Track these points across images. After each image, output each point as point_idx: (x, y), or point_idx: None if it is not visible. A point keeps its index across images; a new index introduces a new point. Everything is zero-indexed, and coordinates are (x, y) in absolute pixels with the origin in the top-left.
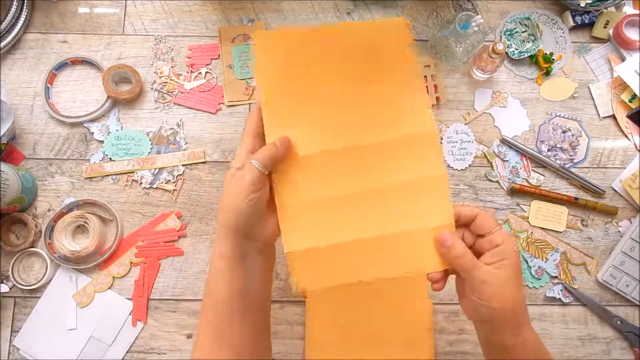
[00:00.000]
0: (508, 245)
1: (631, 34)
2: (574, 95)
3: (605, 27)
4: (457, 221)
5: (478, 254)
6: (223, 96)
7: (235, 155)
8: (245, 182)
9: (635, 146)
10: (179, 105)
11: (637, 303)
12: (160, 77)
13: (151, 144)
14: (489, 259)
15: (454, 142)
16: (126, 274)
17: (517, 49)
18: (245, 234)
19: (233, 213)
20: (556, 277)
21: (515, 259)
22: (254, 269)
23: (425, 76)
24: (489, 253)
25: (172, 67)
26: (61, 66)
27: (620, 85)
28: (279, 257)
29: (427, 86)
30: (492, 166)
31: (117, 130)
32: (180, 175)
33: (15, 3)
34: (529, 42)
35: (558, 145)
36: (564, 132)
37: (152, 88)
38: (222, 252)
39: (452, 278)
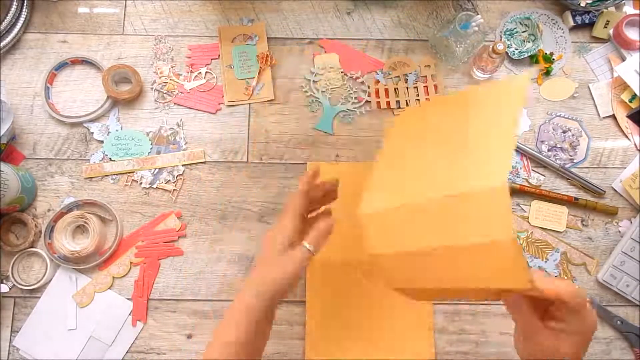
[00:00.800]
0: (581, 321)
1: (631, 34)
2: (574, 95)
3: (606, 27)
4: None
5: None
6: (223, 96)
7: (279, 228)
8: (299, 262)
9: (636, 146)
10: (179, 105)
11: (637, 303)
12: (160, 77)
13: (151, 144)
14: (557, 325)
15: None
16: (126, 274)
17: (517, 49)
18: (279, 300)
19: (280, 285)
20: (556, 277)
21: (588, 336)
22: (268, 327)
23: (425, 76)
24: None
25: (172, 67)
26: (61, 66)
27: (621, 85)
28: None
29: (426, 86)
30: None
31: (117, 130)
32: (180, 175)
33: (15, 3)
34: (529, 42)
35: (558, 145)
36: (564, 132)
37: (152, 88)
38: (255, 307)
39: None
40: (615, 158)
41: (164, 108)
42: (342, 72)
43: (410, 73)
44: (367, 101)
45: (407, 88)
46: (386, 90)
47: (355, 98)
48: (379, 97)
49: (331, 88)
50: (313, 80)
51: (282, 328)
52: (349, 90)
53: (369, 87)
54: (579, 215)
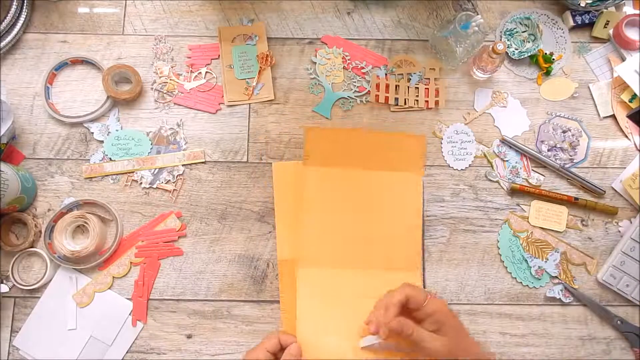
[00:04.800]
0: (441, 311)
1: (631, 34)
2: (574, 95)
3: (605, 27)
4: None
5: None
6: (223, 96)
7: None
8: None
9: (635, 146)
10: (179, 105)
11: (637, 303)
12: (160, 77)
13: (151, 144)
14: (430, 327)
15: (454, 142)
16: (126, 274)
17: (517, 49)
18: None
19: None
20: (556, 277)
21: (452, 319)
22: None
23: (428, 78)
24: (427, 322)
25: (172, 67)
26: (61, 66)
27: (620, 85)
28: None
29: (427, 88)
30: (492, 166)
31: (117, 130)
32: (180, 175)
33: (15, 3)
34: (529, 42)
35: (558, 145)
36: (564, 132)
37: (152, 88)
38: None
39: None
40: (615, 158)
41: (164, 108)
42: (347, 59)
43: (414, 73)
44: (368, 91)
45: (408, 87)
46: (387, 85)
47: (357, 87)
48: (378, 91)
49: (335, 73)
50: (319, 64)
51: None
52: (352, 78)
53: (371, 79)
54: (579, 215)
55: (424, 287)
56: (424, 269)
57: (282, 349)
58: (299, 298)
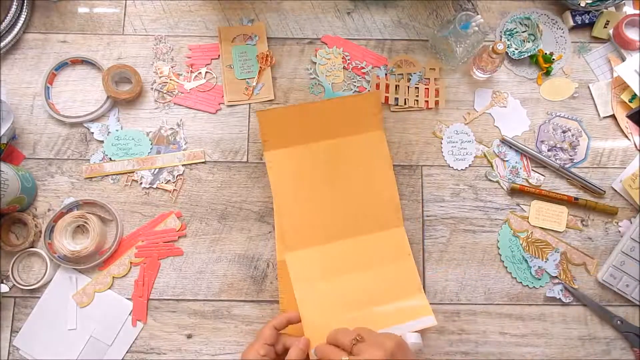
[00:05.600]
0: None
1: (631, 34)
2: (574, 95)
3: (605, 27)
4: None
5: None
6: (223, 96)
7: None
8: None
9: (635, 146)
10: (179, 105)
11: (637, 303)
12: (160, 77)
13: (151, 144)
14: None
15: (454, 142)
16: (126, 274)
17: (517, 49)
18: None
19: None
20: (556, 277)
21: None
22: None
23: (428, 78)
24: None
25: (172, 67)
26: (61, 66)
27: (620, 85)
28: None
29: (427, 88)
30: (492, 166)
31: (117, 130)
32: (180, 175)
33: (15, 3)
34: (529, 42)
35: (558, 145)
36: (564, 132)
37: (152, 88)
38: None
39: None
40: (615, 158)
41: (164, 108)
42: (347, 59)
43: (414, 73)
44: (368, 91)
45: (408, 87)
46: (387, 85)
47: (357, 87)
48: (378, 90)
49: (335, 73)
50: (319, 64)
51: None
52: (352, 78)
53: (371, 79)
54: (579, 215)
55: (424, 288)
56: (423, 269)
57: (286, 325)
58: (295, 283)
